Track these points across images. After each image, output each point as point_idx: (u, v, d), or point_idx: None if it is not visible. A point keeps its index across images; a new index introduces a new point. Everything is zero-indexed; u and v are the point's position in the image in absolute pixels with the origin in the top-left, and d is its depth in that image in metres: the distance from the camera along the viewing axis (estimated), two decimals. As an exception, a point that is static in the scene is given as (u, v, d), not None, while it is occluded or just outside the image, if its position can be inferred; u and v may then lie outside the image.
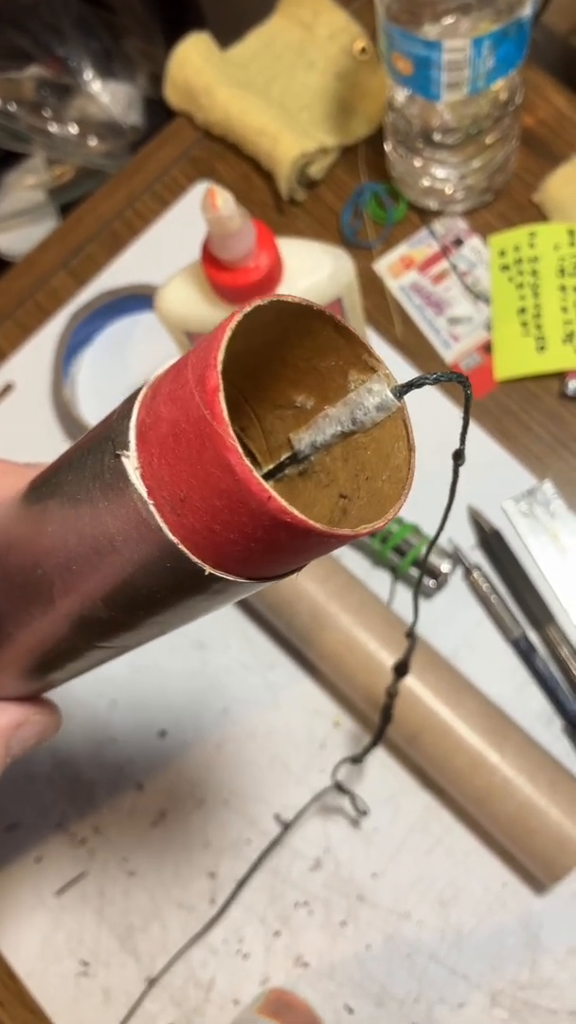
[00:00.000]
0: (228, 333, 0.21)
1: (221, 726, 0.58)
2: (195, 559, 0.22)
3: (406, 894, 0.54)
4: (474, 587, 0.57)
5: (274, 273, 0.46)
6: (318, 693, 0.57)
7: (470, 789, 0.51)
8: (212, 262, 0.45)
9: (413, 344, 0.62)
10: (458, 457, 0.28)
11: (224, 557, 0.23)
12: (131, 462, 0.22)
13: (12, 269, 0.70)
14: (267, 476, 0.28)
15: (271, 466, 0.28)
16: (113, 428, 0.24)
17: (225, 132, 0.67)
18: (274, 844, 0.55)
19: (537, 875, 0.51)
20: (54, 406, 0.65)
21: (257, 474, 0.20)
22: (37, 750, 0.59)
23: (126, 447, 0.23)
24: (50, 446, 0.64)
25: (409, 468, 0.24)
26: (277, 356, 0.25)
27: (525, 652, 0.55)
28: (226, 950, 0.55)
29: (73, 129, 0.89)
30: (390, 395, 0.23)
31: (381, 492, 0.24)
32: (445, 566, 0.56)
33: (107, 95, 0.91)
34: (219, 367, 0.20)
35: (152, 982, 0.55)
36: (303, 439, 0.26)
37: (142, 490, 0.22)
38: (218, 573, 0.23)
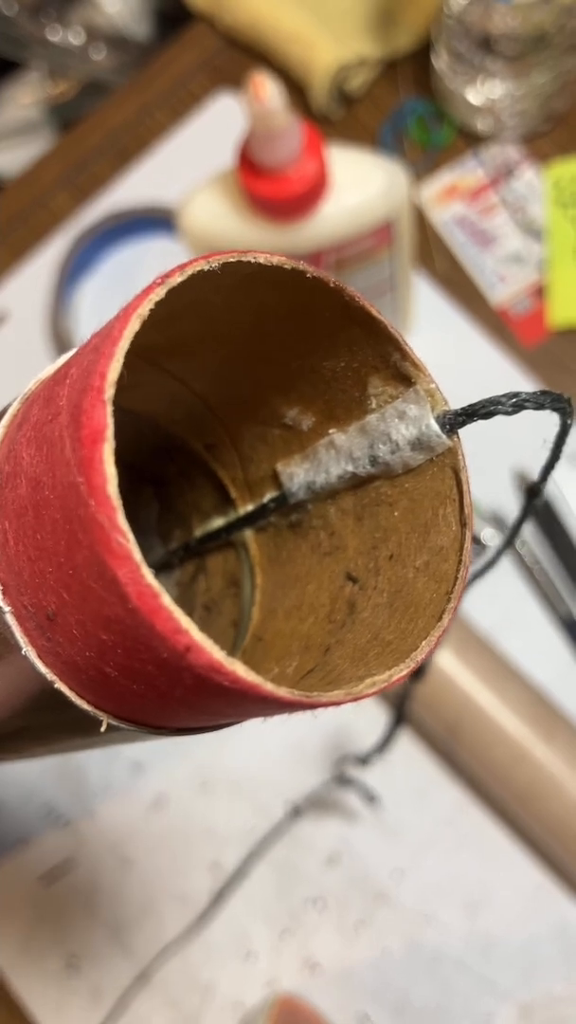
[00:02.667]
0: (131, 328, 0.12)
1: (229, 701, 0.52)
2: (83, 705, 0.14)
3: (430, 895, 0.49)
4: (519, 558, 0.51)
5: (320, 184, 0.39)
6: (339, 669, 0.52)
7: (511, 784, 0.45)
8: (250, 168, 0.38)
9: (456, 283, 0.55)
10: (535, 495, 0.21)
11: (129, 708, 0.15)
12: None
13: (7, 187, 0.63)
14: (245, 521, 0.19)
15: (249, 508, 0.20)
16: None
17: (252, 38, 0.60)
18: (279, 831, 0.49)
19: (581, 880, 0.46)
20: (52, 338, 0.58)
21: (168, 602, 0.12)
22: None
23: None
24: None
25: (460, 559, 0.15)
26: (254, 347, 0.16)
27: (573, 632, 0.50)
28: (228, 949, 0.50)
29: (76, 39, 0.81)
30: (435, 427, 0.15)
31: (411, 589, 0.16)
32: (487, 533, 0.51)
33: (115, 3, 0.83)
34: (108, 392, 0.12)
35: (143, 979, 0.49)
36: (296, 475, 0.18)
37: None
38: (123, 725, 0.15)
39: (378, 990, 0.48)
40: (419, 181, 0.57)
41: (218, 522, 0.21)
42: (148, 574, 0.12)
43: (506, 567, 0.51)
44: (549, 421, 0.49)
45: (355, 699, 0.14)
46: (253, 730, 0.51)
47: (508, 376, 0.53)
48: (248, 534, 0.20)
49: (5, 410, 0.15)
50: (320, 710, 0.13)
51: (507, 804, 0.47)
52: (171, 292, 0.13)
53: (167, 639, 0.12)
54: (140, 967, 0.50)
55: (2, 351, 0.59)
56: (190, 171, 0.53)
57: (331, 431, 0.17)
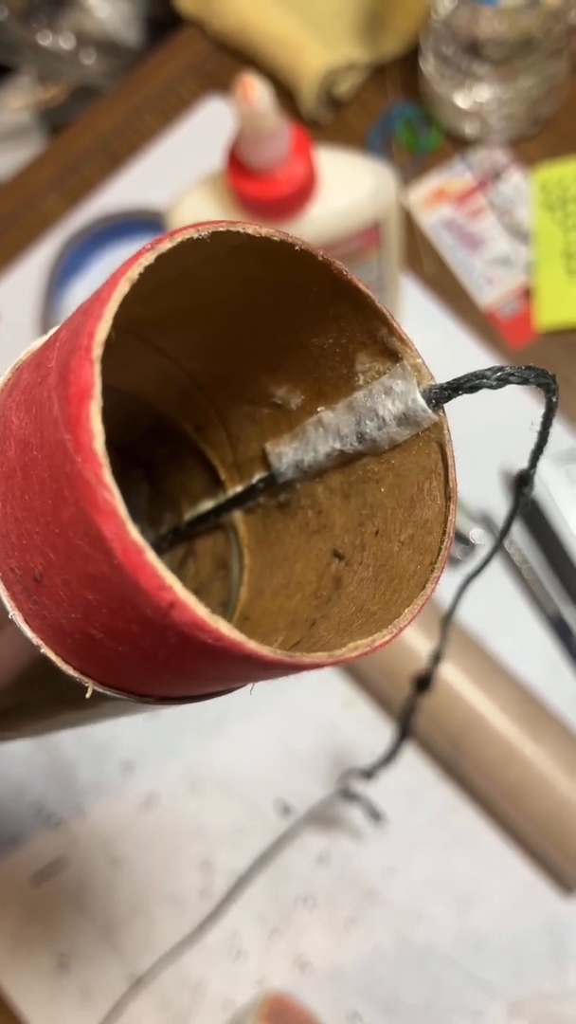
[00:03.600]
0: (119, 291, 0.12)
1: (219, 701, 0.52)
2: (68, 670, 0.14)
3: (420, 893, 0.49)
4: (507, 557, 0.51)
5: (308, 185, 0.39)
6: (329, 672, 0.52)
7: (501, 781, 0.46)
8: (238, 169, 0.39)
9: (444, 285, 0.56)
10: (524, 483, 0.21)
11: (115, 673, 0.14)
12: None
13: (-2, 188, 0.63)
14: (233, 503, 0.19)
15: (239, 489, 0.20)
16: None
17: (241, 42, 0.60)
18: (281, 842, 0.49)
19: (570, 875, 0.47)
20: (42, 341, 0.58)
21: (153, 557, 0.12)
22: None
23: None
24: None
25: (444, 531, 0.15)
26: (246, 324, 0.16)
27: (561, 631, 0.50)
28: (219, 948, 0.50)
29: (67, 44, 0.82)
30: (421, 401, 0.15)
31: (396, 562, 0.16)
32: (475, 533, 0.51)
33: (105, 9, 0.84)
34: (96, 351, 0.12)
35: (137, 981, 0.49)
36: (284, 455, 0.18)
37: None
38: (107, 692, 0.15)
39: (368, 988, 0.48)
40: (407, 184, 0.58)
41: (207, 504, 0.21)
42: (133, 530, 0.12)
43: (495, 567, 0.52)
44: (534, 428, 0.50)
45: (336, 662, 0.14)
46: (242, 730, 0.51)
47: (486, 357, 0.53)
48: (237, 515, 0.20)
49: None
50: (304, 673, 0.13)
51: (497, 802, 0.47)
52: (161, 260, 0.13)
53: (151, 595, 0.12)
54: (131, 967, 0.50)
55: (-7, 353, 0.59)
56: (179, 174, 0.54)
57: (320, 409, 0.17)
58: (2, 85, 0.86)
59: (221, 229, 0.14)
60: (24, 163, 0.64)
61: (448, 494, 0.15)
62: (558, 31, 0.52)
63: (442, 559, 0.15)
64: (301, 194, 0.39)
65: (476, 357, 0.54)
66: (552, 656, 0.50)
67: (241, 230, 0.14)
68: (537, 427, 0.16)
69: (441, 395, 0.15)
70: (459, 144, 0.58)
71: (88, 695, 0.15)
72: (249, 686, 0.16)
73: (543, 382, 0.15)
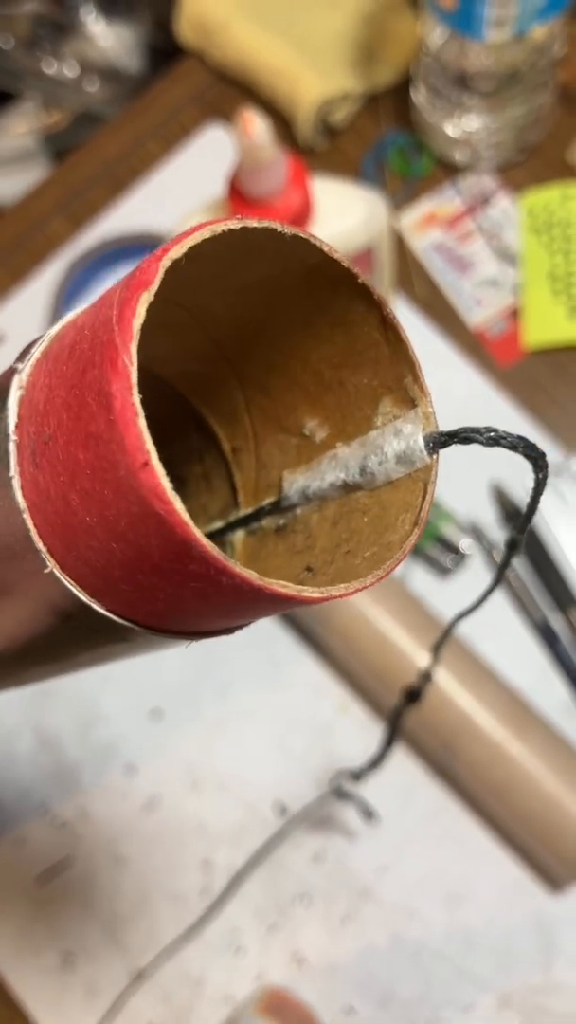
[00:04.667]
0: (160, 267, 0.14)
1: (219, 704, 0.54)
2: (38, 543, 0.16)
3: (413, 890, 0.51)
4: (495, 567, 0.53)
5: (304, 213, 0.42)
6: (324, 672, 0.54)
7: (489, 781, 0.48)
8: (238, 197, 0.41)
9: (435, 307, 0.58)
10: (513, 548, 0.23)
11: (85, 561, 0.16)
12: (21, 377, 0.16)
13: (5, 212, 0.66)
14: (242, 522, 0.21)
15: (248, 511, 0.22)
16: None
17: (241, 73, 0.63)
18: (276, 840, 0.51)
19: (556, 872, 0.48)
20: (48, 359, 0.60)
21: (143, 424, 0.13)
22: (20, 727, 0.55)
23: (23, 360, 0.16)
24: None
25: (402, 550, 0.17)
26: (298, 352, 0.18)
27: (548, 637, 0.52)
28: (219, 944, 0.51)
29: (71, 71, 0.84)
30: (420, 443, 0.17)
31: (353, 571, 0.18)
32: (465, 543, 0.53)
33: (108, 37, 0.86)
34: (164, 261, 0.14)
35: (138, 975, 0.51)
36: (296, 482, 0.20)
37: (12, 419, 0.16)
38: (68, 583, 0.16)
39: (363, 982, 0.50)
40: (399, 209, 0.60)
41: (217, 524, 0.22)
42: (136, 397, 0.13)
43: (484, 577, 0.54)
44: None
45: (315, 596, 0.15)
46: (241, 733, 0.53)
47: (485, 395, 0.56)
48: (239, 535, 0.22)
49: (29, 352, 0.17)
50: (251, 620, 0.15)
51: (485, 800, 0.49)
52: (240, 256, 0.15)
53: (130, 453, 0.13)
54: (135, 964, 0.51)
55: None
56: (180, 199, 0.56)
57: (338, 445, 0.19)
58: (7, 111, 0.88)
59: (302, 236, 0.15)
60: (29, 187, 0.66)
61: (416, 522, 0.17)
62: (543, 64, 0.54)
63: (388, 568, 0.17)
64: (297, 222, 0.42)
65: (466, 375, 0.57)
66: (539, 661, 0.52)
67: (317, 244, 0.15)
68: (529, 491, 0.18)
69: (439, 441, 0.17)
70: (449, 170, 0.61)
71: (46, 571, 0.16)
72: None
73: (531, 456, 0.17)
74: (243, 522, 0.21)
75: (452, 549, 0.53)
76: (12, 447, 0.15)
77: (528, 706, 0.49)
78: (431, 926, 0.50)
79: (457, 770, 0.49)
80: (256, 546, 0.22)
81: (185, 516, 0.13)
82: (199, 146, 0.64)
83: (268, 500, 0.21)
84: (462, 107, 0.57)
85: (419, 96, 0.59)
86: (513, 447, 0.17)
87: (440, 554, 0.53)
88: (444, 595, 0.54)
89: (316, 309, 0.17)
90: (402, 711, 0.39)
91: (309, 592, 0.15)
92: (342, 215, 0.43)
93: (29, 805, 0.54)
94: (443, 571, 0.54)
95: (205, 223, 0.15)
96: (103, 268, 0.62)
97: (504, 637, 0.53)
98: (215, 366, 0.17)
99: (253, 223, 0.15)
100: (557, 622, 0.52)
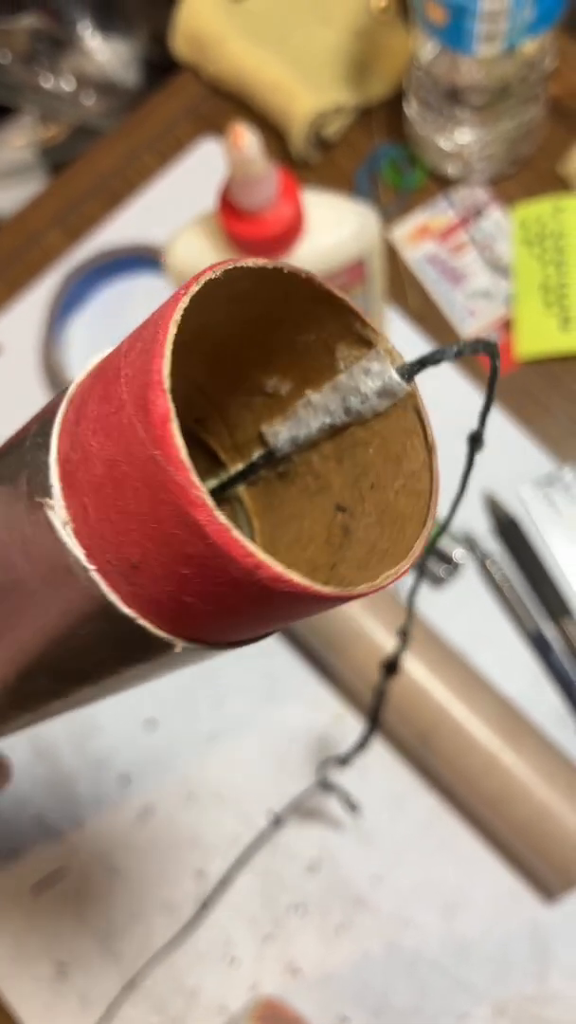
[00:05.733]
0: (171, 333, 0.15)
1: (214, 716, 0.54)
2: (161, 634, 0.17)
3: (407, 899, 0.51)
4: (488, 576, 0.54)
5: (295, 226, 0.42)
6: (319, 684, 0.54)
7: (483, 791, 0.48)
8: (230, 210, 0.41)
9: (428, 318, 0.58)
10: (475, 442, 0.24)
11: (199, 628, 0.17)
12: (58, 514, 0.17)
13: (2, 225, 0.66)
14: (238, 479, 0.22)
15: (240, 467, 0.22)
16: (28, 458, 0.18)
17: (235, 87, 0.63)
18: (262, 840, 0.51)
19: (550, 882, 0.48)
20: (44, 371, 0.60)
21: (238, 534, 0.15)
22: (16, 738, 0.55)
23: (47, 492, 0.17)
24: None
25: (431, 476, 0.18)
26: (240, 332, 0.19)
27: (541, 647, 0.52)
28: (213, 954, 0.51)
29: (67, 85, 0.85)
30: (395, 376, 0.18)
31: (394, 507, 0.19)
32: (458, 553, 0.53)
33: (104, 52, 0.87)
34: (166, 384, 0.15)
35: (131, 986, 0.51)
36: (280, 433, 0.20)
37: (79, 552, 0.17)
38: (191, 646, 0.18)
39: (358, 992, 0.50)
40: (392, 222, 0.61)
41: (212, 483, 0.23)
42: (220, 514, 0.15)
43: (476, 584, 0.54)
44: (514, 452, 0.52)
45: (376, 589, 0.17)
46: (236, 744, 0.53)
47: (477, 404, 0.56)
48: (241, 489, 0.23)
49: (52, 409, 0.18)
50: (343, 602, 0.17)
51: (479, 810, 0.49)
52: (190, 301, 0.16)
53: (240, 562, 0.15)
54: (128, 974, 0.51)
55: (-4, 382, 0.62)
56: (175, 212, 0.56)
57: (307, 392, 0.20)
58: (5, 125, 0.89)
59: (230, 267, 0.17)
60: (26, 200, 0.67)
61: (429, 447, 0.18)
62: (534, 78, 0.55)
63: (434, 499, 0.18)
64: (289, 234, 0.42)
65: (459, 385, 0.57)
66: (532, 670, 0.53)
67: (244, 264, 0.17)
68: (478, 386, 0.19)
69: (412, 369, 0.18)
70: (442, 183, 0.61)
71: (178, 650, 0.18)
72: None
73: (489, 350, 0.18)
74: (239, 477, 0.22)
75: (445, 559, 0.53)
76: (96, 576, 0.17)
77: (521, 716, 0.49)
78: (426, 936, 0.50)
79: (450, 780, 0.49)
80: (265, 495, 0.23)
81: (307, 581, 0.15)
82: (194, 159, 0.64)
83: (258, 453, 0.22)
84: (454, 120, 0.57)
85: (411, 109, 0.59)
86: (475, 350, 0.18)
87: (434, 564, 0.53)
88: (438, 605, 0.54)
89: (247, 302, 0.18)
90: (384, 688, 0.40)
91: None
92: (333, 228, 0.44)
93: (24, 816, 0.54)
94: (437, 581, 0.54)
95: (168, 321, 0.16)
96: (99, 280, 0.62)
97: (497, 646, 0.53)
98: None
99: (194, 289, 0.16)
100: (550, 631, 0.53)
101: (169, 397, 0.15)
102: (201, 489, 0.15)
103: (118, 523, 0.16)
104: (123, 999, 0.51)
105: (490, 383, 0.19)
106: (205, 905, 0.51)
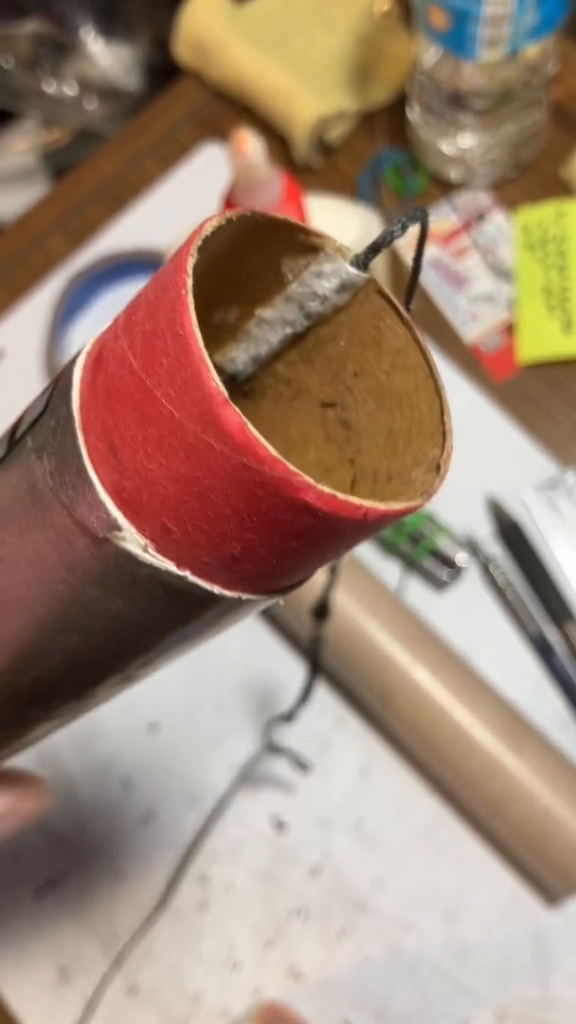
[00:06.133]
0: (200, 341, 0.15)
1: (217, 720, 0.54)
2: (267, 601, 0.18)
3: (409, 903, 0.51)
4: (491, 580, 0.54)
5: (299, 231, 0.42)
6: (321, 686, 0.54)
7: (485, 794, 0.48)
8: (234, 216, 0.41)
9: (431, 322, 0.59)
10: (408, 297, 0.23)
11: (289, 579, 0.18)
12: (134, 541, 0.17)
13: (5, 229, 0.66)
14: None
15: None
16: (64, 498, 0.17)
17: (237, 92, 0.64)
18: (229, 794, 0.51)
19: (552, 885, 0.48)
20: (47, 375, 0.61)
21: (343, 495, 0.15)
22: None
23: (113, 525, 0.17)
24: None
25: (421, 348, 0.18)
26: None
27: (543, 651, 0.52)
28: (215, 959, 0.51)
29: (70, 90, 0.85)
30: (352, 270, 0.18)
31: (391, 387, 0.18)
32: (461, 557, 0.53)
33: (107, 56, 0.87)
34: (225, 394, 0.15)
35: (134, 990, 0.51)
36: (237, 358, 0.20)
37: (168, 566, 0.17)
38: (283, 596, 0.19)
39: (359, 996, 0.50)
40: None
41: None
42: (325, 487, 0.15)
43: (479, 588, 0.54)
44: (516, 456, 0.52)
45: (444, 476, 0.17)
46: (238, 747, 0.53)
47: (480, 409, 0.56)
48: None
49: (66, 442, 0.17)
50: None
51: (481, 813, 0.49)
52: None
53: (351, 517, 0.15)
54: (131, 978, 0.51)
55: (0, 386, 0.62)
56: (178, 217, 0.57)
57: (257, 312, 0.19)
58: (8, 129, 0.89)
59: (199, 243, 0.16)
60: (29, 203, 0.67)
61: (405, 323, 0.18)
62: (536, 83, 0.55)
63: (435, 368, 0.18)
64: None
65: (461, 389, 0.57)
66: (535, 674, 0.53)
67: (206, 234, 0.16)
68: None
69: (366, 258, 0.18)
70: (444, 187, 0.61)
71: (281, 603, 0.19)
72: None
73: (420, 216, 0.17)
74: None
75: (448, 563, 0.53)
76: (193, 578, 0.17)
77: (524, 719, 0.49)
78: (427, 940, 0.50)
79: (453, 783, 0.49)
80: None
81: (383, 504, 0.16)
82: (196, 164, 0.64)
83: (218, 379, 0.22)
84: (456, 125, 0.57)
85: (414, 114, 0.60)
86: (415, 219, 0.17)
87: (436, 568, 0.53)
88: (440, 608, 0.54)
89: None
90: (318, 633, 0.40)
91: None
92: (337, 232, 0.44)
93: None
94: (439, 584, 0.54)
95: (193, 346, 0.16)
96: (101, 285, 0.62)
97: (500, 650, 0.53)
98: None
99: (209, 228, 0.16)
100: (552, 635, 0.53)
101: (235, 409, 0.15)
102: (301, 474, 0.15)
103: (211, 530, 0.16)
104: (126, 1004, 0.51)
105: (420, 240, 0.18)
106: (165, 898, 0.51)
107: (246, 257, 0.18)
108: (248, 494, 0.15)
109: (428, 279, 0.59)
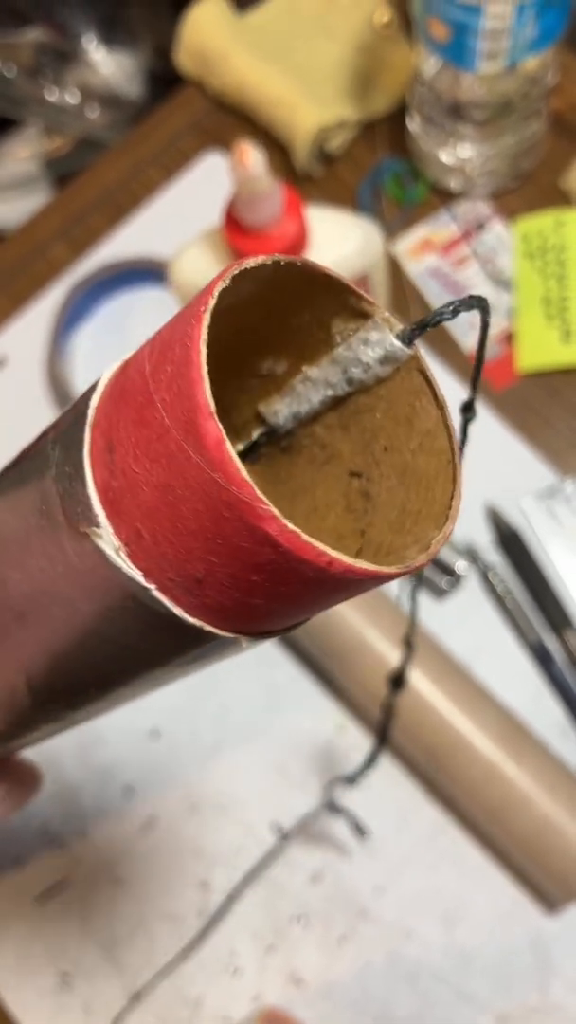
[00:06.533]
0: (203, 354, 0.16)
1: (217, 726, 0.55)
2: (225, 634, 0.18)
3: (410, 910, 0.51)
4: (490, 588, 0.54)
5: (300, 242, 0.43)
6: (321, 695, 0.54)
7: (484, 801, 0.48)
8: (235, 227, 0.42)
9: (431, 332, 0.59)
10: (468, 411, 0.24)
11: (262, 623, 0.18)
12: (109, 541, 0.17)
13: (7, 237, 0.66)
14: (240, 458, 0.23)
15: (241, 446, 0.22)
16: (61, 488, 0.18)
17: (239, 101, 0.64)
18: (270, 857, 0.52)
19: (552, 893, 0.49)
20: (48, 382, 0.61)
21: (307, 537, 0.15)
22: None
23: (92, 521, 0.17)
24: (42, 425, 0.60)
25: (449, 433, 0.18)
26: (234, 323, 0.19)
27: (543, 659, 0.52)
28: (216, 965, 0.52)
29: (72, 98, 0.86)
30: (397, 343, 0.18)
31: (415, 467, 0.19)
32: (460, 565, 0.54)
33: (108, 65, 0.88)
34: (213, 408, 0.15)
35: (137, 998, 0.51)
36: (280, 411, 0.21)
37: (135, 574, 0.17)
38: (254, 640, 0.18)
39: (360, 1002, 0.50)
40: (395, 235, 0.61)
41: None
42: (289, 522, 0.15)
43: (478, 596, 0.54)
44: (516, 465, 0.52)
45: (431, 558, 0.17)
46: (239, 755, 0.53)
47: (480, 417, 0.57)
48: (244, 465, 0.23)
49: (73, 435, 0.18)
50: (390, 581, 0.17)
51: (481, 821, 0.49)
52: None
53: (313, 562, 0.15)
54: (132, 984, 0.52)
55: (2, 394, 0.62)
56: (180, 225, 0.57)
57: (304, 368, 0.20)
58: (10, 137, 0.90)
59: (236, 272, 0.17)
60: (32, 211, 0.67)
61: (439, 405, 0.18)
62: (535, 94, 0.55)
63: (457, 455, 0.18)
64: (293, 250, 0.42)
65: (461, 397, 0.57)
66: (534, 682, 0.53)
67: (248, 266, 0.17)
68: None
69: (413, 334, 0.18)
70: (444, 197, 0.62)
71: (244, 647, 0.18)
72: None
73: (481, 305, 0.18)
74: (241, 457, 0.23)
75: (448, 571, 0.53)
76: (157, 593, 0.17)
77: (523, 727, 0.49)
78: (428, 946, 0.51)
79: (453, 791, 0.49)
80: (269, 470, 0.22)
81: (374, 566, 0.16)
82: (198, 173, 0.65)
83: (258, 432, 0.22)
84: (456, 135, 0.57)
85: (414, 124, 0.60)
86: (470, 306, 0.18)
87: (436, 576, 0.53)
88: (440, 616, 0.54)
89: (242, 295, 0.18)
90: (392, 700, 0.40)
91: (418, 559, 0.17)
92: (338, 243, 0.44)
93: (29, 826, 0.54)
94: (439, 593, 0.54)
95: (196, 346, 0.16)
96: (104, 293, 0.62)
97: (499, 658, 0.53)
98: None
99: (207, 319, 0.16)
100: (552, 643, 0.53)
101: (217, 423, 0.15)
102: (267, 503, 0.15)
103: (178, 544, 0.16)
104: (127, 1010, 0.51)
105: (481, 338, 0.19)
106: (213, 919, 0.51)
107: (297, 309, 0.19)
108: (215, 513, 0.15)
109: (428, 288, 0.60)
